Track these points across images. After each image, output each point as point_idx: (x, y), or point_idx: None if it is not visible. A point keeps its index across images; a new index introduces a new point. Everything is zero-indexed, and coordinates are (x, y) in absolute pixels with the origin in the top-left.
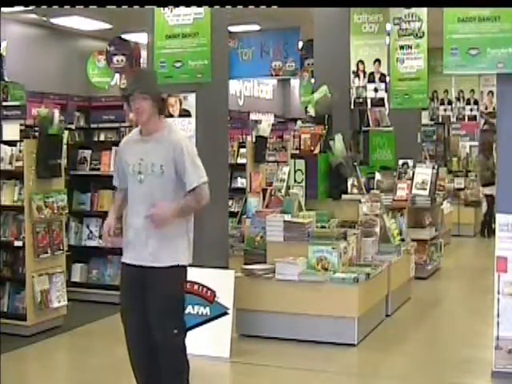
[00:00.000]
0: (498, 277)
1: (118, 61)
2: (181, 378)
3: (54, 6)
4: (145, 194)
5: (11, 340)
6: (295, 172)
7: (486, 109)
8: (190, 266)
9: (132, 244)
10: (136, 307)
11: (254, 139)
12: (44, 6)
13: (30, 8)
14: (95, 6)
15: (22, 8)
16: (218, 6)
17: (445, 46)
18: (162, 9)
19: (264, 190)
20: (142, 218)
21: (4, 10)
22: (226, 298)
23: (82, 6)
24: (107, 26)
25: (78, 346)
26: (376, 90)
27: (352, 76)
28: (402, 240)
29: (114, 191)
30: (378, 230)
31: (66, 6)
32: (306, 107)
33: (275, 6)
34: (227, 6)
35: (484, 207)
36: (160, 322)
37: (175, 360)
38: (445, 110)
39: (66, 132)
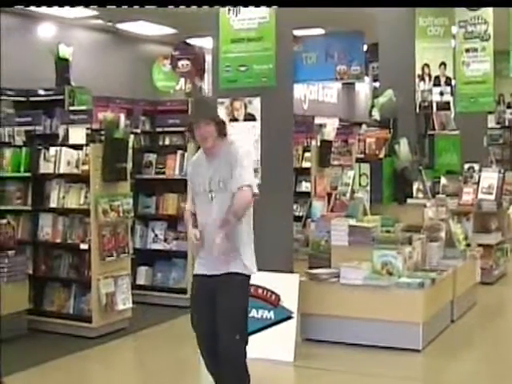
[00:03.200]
0: None
1: (183, 65)
2: None
3: (60, 7)
4: (217, 210)
5: (76, 341)
6: (360, 176)
7: None
8: None
9: (206, 259)
10: (207, 317)
11: (318, 143)
12: (56, 6)
13: (96, 13)
14: (95, 6)
15: (87, 14)
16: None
17: None
18: (226, 13)
19: (329, 194)
20: (212, 233)
21: (70, 15)
22: (290, 301)
23: (82, 6)
24: (172, 30)
25: (143, 348)
26: (442, 94)
27: (417, 79)
28: (468, 245)
29: (179, 195)
30: (443, 234)
31: (66, 6)
32: (371, 111)
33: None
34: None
35: None
36: (224, 329)
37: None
38: (511, 113)
39: (132, 136)
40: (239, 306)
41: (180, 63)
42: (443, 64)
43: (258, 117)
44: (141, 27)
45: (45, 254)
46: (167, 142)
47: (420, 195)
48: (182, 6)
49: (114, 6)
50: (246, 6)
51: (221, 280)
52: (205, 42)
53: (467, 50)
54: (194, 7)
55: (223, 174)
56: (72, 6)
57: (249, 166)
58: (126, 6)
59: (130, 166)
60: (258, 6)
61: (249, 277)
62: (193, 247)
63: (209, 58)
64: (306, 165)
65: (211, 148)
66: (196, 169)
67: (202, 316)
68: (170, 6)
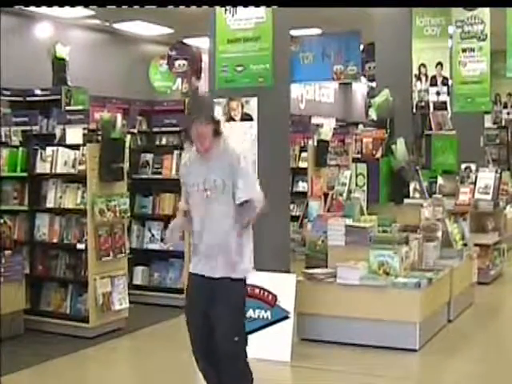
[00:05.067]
0: None
1: (179, 65)
2: None
3: (60, 7)
4: (212, 210)
5: (73, 341)
6: (357, 176)
7: None
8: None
9: (202, 257)
10: (202, 316)
11: (315, 143)
12: (56, 6)
13: (93, 13)
14: (95, 6)
15: (84, 13)
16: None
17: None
18: (223, 13)
19: (325, 194)
20: (211, 233)
21: (67, 15)
22: (287, 301)
23: (81, 6)
24: (169, 30)
25: (140, 348)
26: (438, 94)
27: (414, 79)
28: (465, 245)
29: (176, 195)
30: (440, 234)
31: (66, 6)
32: (368, 111)
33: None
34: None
35: None
36: (222, 332)
37: (237, 368)
38: (508, 113)
39: (129, 136)
40: (237, 310)
41: (177, 63)
42: (440, 64)
43: (254, 117)
44: (137, 27)
45: (41, 253)
46: (164, 141)
47: (417, 195)
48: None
49: (114, 6)
50: (245, 6)
51: (219, 284)
52: (201, 42)
53: (464, 50)
54: (192, 7)
55: (219, 173)
56: (72, 5)
57: (252, 172)
58: (124, 6)
59: (126, 165)
60: (257, 5)
61: (244, 279)
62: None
63: (205, 58)
64: (302, 165)
65: (209, 148)
66: (189, 169)
67: (196, 317)
68: (168, 6)
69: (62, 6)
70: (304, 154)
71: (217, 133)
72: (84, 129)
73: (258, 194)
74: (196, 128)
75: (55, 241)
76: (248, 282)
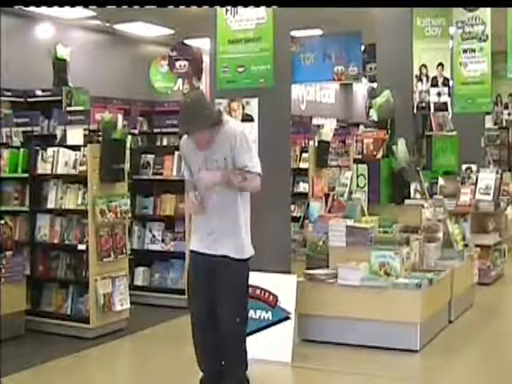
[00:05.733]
0: None
1: (180, 66)
2: (240, 371)
3: (60, 7)
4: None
5: (74, 342)
6: (358, 177)
7: None
8: (252, 270)
9: (203, 235)
10: (204, 294)
11: (316, 144)
12: (56, 7)
13: (93, 14)
14: (95, 6)
15: (85, 14)
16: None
17: None
18: (224, 14)
19: (326, 195)
20: (213, 212)
21: (68, 16)
22: (287, 302)
23: (81, 6)
24: (170, 31)
25: (141, 349)
26: (439, 95)
27: (415, 80)
28: (466, 245)
29: (177, 196)
30: (440, 235)
31: (66, 6)
32: (369, 112)
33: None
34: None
35: None
36: (225, 313)
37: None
38: (509, 114)
39: (129, 137)
40: (239, 290)
41: (177, 64)
42: (441, 65)
43: (255, 117)
44: (138, 28)
45: (42, 254)
46: (165, 142)
47: (418, 196)
48: (181, 7)
49: (114, 7)
50: (245, 6)
51: (219, 262)
52: (202, 43)
53: (465, 51)
54: (193, 7)
55: (219, 154)
56: (72, 6)
57: (253, 148)
58: (125, 7)
59: (127, 166)
60: (257, 5)
61: (247, 260)
62: (191, 209)
63: (206, 59)
64: (303, 165)
65: (209, 143)
66: (189, 148)
67: (198, 295)
68: (169, 7)
69: (61, 6)
70: (305, 155)
71: (215, 124)
72: (85, 129)
73: (256, 170)
74: (193, 136)
75: (56, 241)
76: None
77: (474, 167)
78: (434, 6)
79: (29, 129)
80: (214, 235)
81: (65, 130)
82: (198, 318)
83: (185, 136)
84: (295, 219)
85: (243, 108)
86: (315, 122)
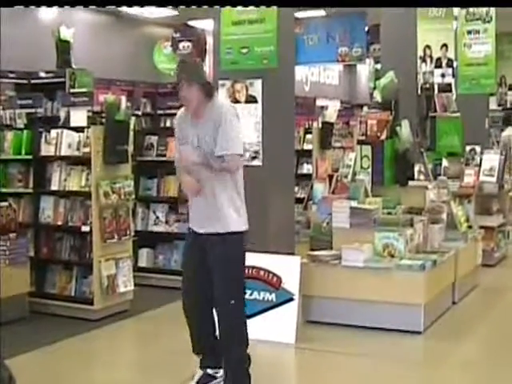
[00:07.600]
0: None
1: (183, 47)
2: (240, 349)
3: (60, 7)
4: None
5: (78, 324)
6: (361, 158)
7: None
8: (255, 251)
9: (192, 214)
10: (197, 270)
11: (320, 125)
12: (55, 7)
13: None
14: (95, 6)
15: None
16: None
17: None
18: None
19: (330, 176)
20: (204, 189)
21: None
22: (291, 284)
23: (81, 6)
24: (173, 12)
25: (144, 331)
26: (443, 76)
27: (419, 61)
28: (469, 227)
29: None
30: (444, 216)
31: (66, 6)
32: (372, 93)
33: None
34: None
35: None
36: (219, 295)
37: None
38: None
39: (133, 118)
40: (230, 267)
41: (181, 45)
42: (445, 46)
43: (259, 99)
44: (142, 9)
45: (46, 236)
46: (168, 123)
47: (421, 177)
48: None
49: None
50: (245, 6)
51: (209, 240)
52: (206, 24)
53: (469, 32)
54: None
55: (208, 134)
56: (72, 6)
57: (239, 126)
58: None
59: (131, 148)
60: (257, 6)
61: (236, 234)
62: (189, 191)
63: (210, 40)
64: (307, 147)
65: (195, 110)
66: (182, 125)
67: (190, 272)
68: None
69: (61, 6)
70: (309, 136)
71: (207, 95)
72: (88, 111)
73: (233, 151)
74: (181, 90)
75: (60, 223)
76: (253, 263)
77: (478, 148)
78: (434, 7)
79: (32, 111)
80: (199, 214)
81: (68, 112)
82: (188, 294)
83: (182, 109)
84: (299, 200)
85: (247, 89)
86: (319, 103)
